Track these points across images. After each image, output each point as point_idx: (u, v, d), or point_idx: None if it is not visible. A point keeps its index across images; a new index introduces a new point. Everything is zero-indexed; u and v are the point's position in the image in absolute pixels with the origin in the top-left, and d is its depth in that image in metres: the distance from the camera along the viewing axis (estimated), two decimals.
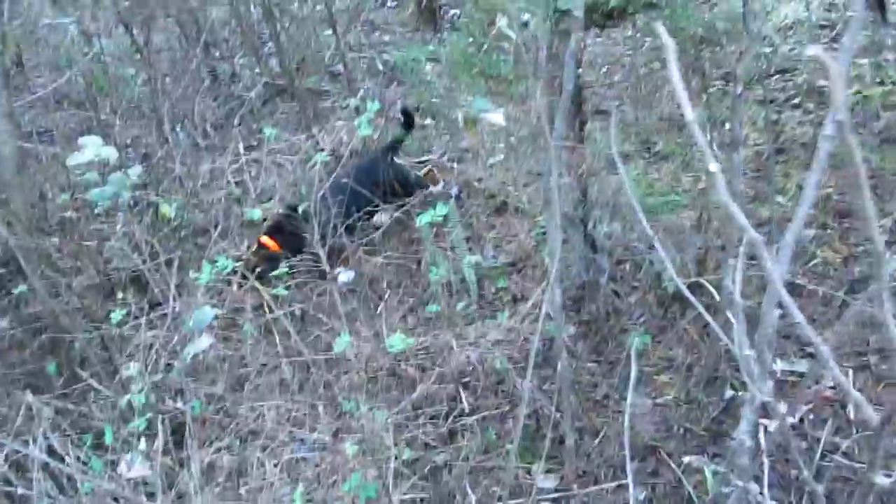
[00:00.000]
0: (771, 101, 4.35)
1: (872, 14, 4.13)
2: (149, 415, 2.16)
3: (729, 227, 3.13)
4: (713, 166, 0.72)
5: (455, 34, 4.32)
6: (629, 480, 1.88)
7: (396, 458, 2.30)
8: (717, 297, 2.93)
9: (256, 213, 2.71)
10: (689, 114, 0.70)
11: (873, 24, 4.28)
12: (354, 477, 2.01)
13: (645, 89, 3.79)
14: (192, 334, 1.98)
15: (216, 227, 3.66)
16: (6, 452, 2.42)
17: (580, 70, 2.63)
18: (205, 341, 1.96)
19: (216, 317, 2.03)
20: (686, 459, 2.76)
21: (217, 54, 6.08)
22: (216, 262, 2.24)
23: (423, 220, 2.45)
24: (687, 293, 1.53)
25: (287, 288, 2.52)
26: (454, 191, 4.18)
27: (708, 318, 1.34)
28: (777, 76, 4.55)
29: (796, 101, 4.33)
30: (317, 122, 4.48)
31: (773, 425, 2.88)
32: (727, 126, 4.23)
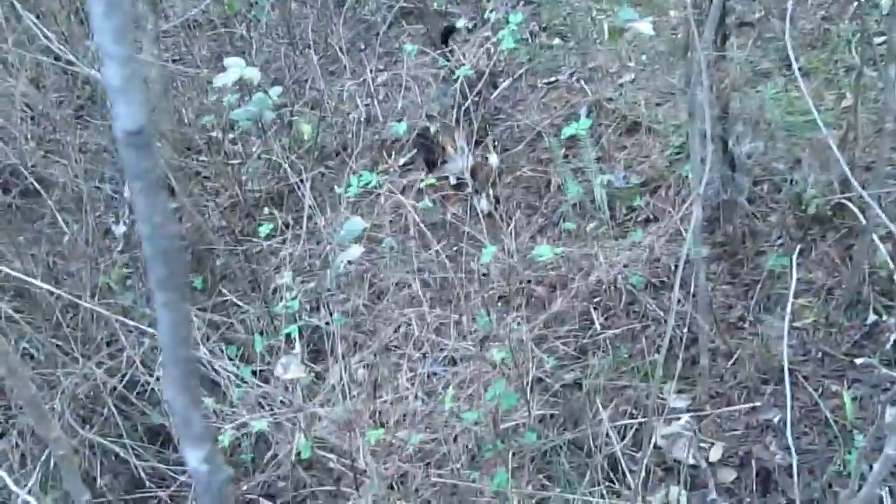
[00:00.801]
0: None
1: None
2: (300, 323, 2.26)
3: (877, 146, 3.00)
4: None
5: None
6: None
7: (539, 367, 2.34)
8: (862, 219, 2.84)
9: (401, 128, 2.73)
10: None
11: None
12: (498, 384, 2.06)
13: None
14: (338, 247, 2.05)
15: (350, 147, 3.73)
16: (161, 357, 2.58)
17: None
18: (356, 250, 2.02)
19: (366, 228, 2.09)
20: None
21: None
22: (362, 176, 2.30)
23: (566, 132, 2.42)
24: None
25: (433, 202, 2.56)
26: (583, 111, 4.12)
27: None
28: None
29: None
30: (446, 42, 4.46)
31: None
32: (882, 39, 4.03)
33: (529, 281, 3.33)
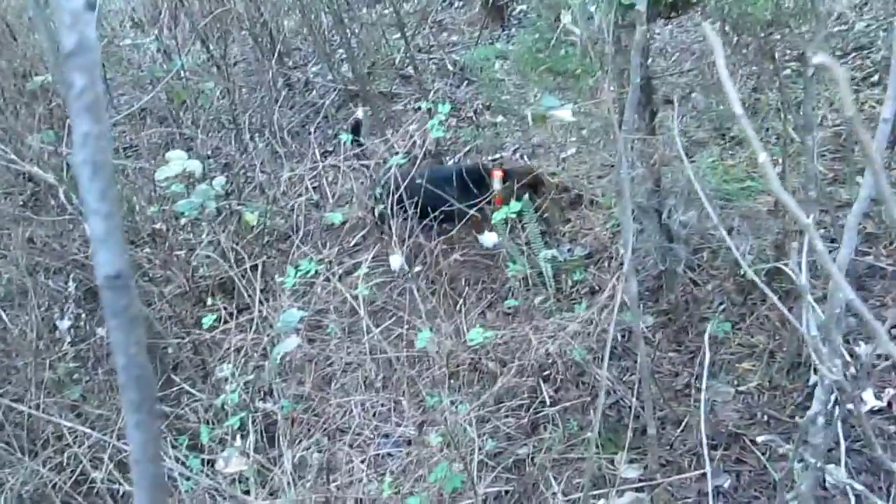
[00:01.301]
0: (850, 80, 4.27)
1: None
2: (243, 413, 2.26)
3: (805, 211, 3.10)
4: (762, 157, 0.75)
5: (521, 31, 4.32)
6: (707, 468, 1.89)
7: (480, 449, 2.35)
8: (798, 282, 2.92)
9: (337, 217, 2.78)
10: (739, 109, 0.73)
11: None
12: (440, 468, 2.07)
13: (716, 76, 3.76)
14: (280, 335, 2.06)
15: (297, 232, 3.76)
16: (109, 452, 2.56)
17: (648, 60, 2.64)
18: (293, 341, 2.04)
19: (302, 318, 2.11)
20: (760, 439, 2.75)
21: (290, 63, 6.23)
22: (299, 266, 2.33)
23: (497, 217, 2.48)
24: (756, 279, 1.54)
25: (370, 289, 2.59)
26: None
27: (779, 304, 1.35)
28: (854, 54, 4.45)
29: (874, 78, 4.23)
30: (390, 125, 4.56)
31: (860, 409, 2.85)
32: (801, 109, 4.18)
33: (481, 357, 3.36)
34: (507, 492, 2.92)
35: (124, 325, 0.64)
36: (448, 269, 3.89)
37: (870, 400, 2.84)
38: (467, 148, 4.74)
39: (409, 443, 2.95)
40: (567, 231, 3.91)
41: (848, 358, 2.97)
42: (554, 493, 2.75)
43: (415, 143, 3.57)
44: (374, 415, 2.71)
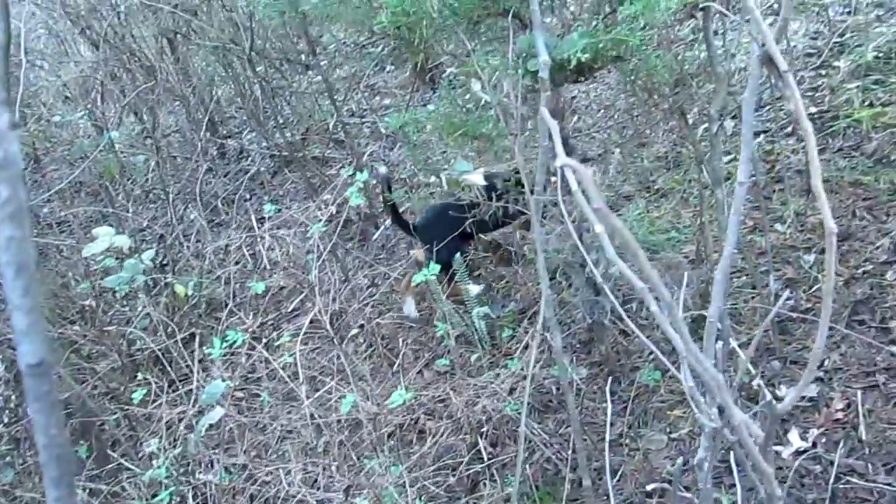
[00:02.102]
0: (764, 132, 4.45)
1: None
2: (172, 488, 2.25)
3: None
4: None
5: (437, 97, 4.43)
6: None
7: None
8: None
9: (260, 287, 2.81)
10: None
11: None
12: None
13: (640, 129, 3.90)
14: (207, 407, 2.07)
15: (234, 299, 3.77)
16: None
17: (562, 122, 2.73)
18: (217, 413, 2.05)
19: (227, 389, 2.12)
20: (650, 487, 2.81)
21: (224, 132, 6.27)
22: (227, 336, 2.35)
23: (417, 279, 2.54)
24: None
25: (290, 353, 2.61)
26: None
27: (660, 355, 1.41)
28: (768, 107, 4.64)
29: (788, 129, 4.41)
30: (324, 190, 4.62)
31: (786, 452, 2.94)
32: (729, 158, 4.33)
33: (418, 417, 3.39)
34: None
35: (45, 409, 0.71)
36: (385, 330, 3.93)
37: (795, 441, 2.92)
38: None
39: None
40: (500, 287, 3.98)
41: (773, 400, 3.07)
42: None
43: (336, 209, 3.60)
44: (312, 483, 2.72)
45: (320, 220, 2.52)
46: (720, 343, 1.22)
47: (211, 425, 2.20)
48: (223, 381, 2.09)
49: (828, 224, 0.80)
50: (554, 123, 1.03)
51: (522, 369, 2.99)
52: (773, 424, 1.07)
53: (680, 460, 1.57)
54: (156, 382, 2.84)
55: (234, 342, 2.32)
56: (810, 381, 3.09)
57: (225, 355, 2.41)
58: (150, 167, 5.22)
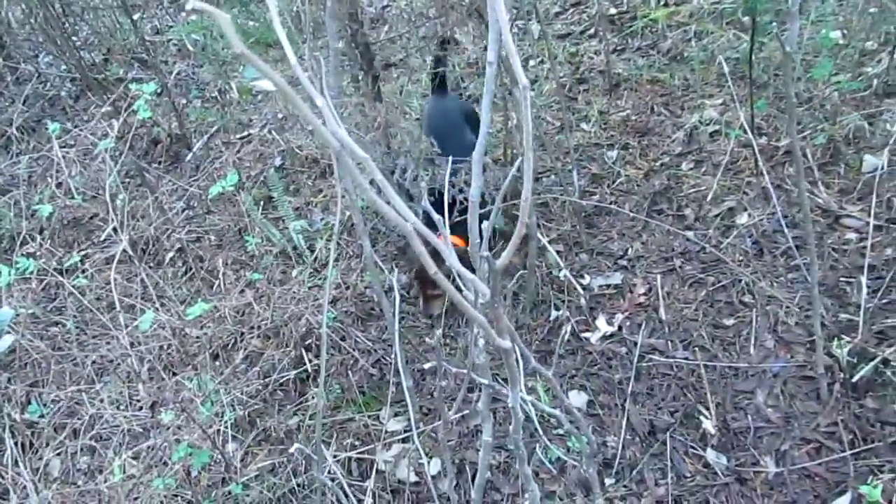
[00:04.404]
0: (568, 34, 4.56)
1: None
2: None
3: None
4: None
5: (226, 5, 4.30)
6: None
7: (222, 419, 2.36)
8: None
9: (46, 210, 2.67)
10: None
11: None
12: (182, 447, 2.07)
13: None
14: None
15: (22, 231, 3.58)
16: None
17: (360, 28, 2.72)
18: (6, 340, 1.97)
19: (16, 315, 2.03)
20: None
21: (19, 57, 5.85)
22: (18, 264, 2.23)
23: (213, 191, 2.48)
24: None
25: (84, 273, 2.52)
26: (276, 161, 4.22)
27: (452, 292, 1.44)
28: (572, 9, 4.76)
29: (591, 31, 4.54)
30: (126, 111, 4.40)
31: (594, 337, 3.11)
32: (530, 63, 4.42)
33: (243, 334, 3.36)
34: (281, 463, 2.96)
35: None
36: (202, 252, 3.85)
37: (602, 326, 3.09)
38: (214, 129, 4.66)
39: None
40: (318, 201, 3.95)
41: (580, 290, 3.23)
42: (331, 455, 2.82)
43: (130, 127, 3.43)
44: (119, 405, 2.66)
45: (114, 139, 2.40)
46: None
47: (9, 355, 2.10)
48: (13, 309, 2.00)
49: (521, 80, 0.84)
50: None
51: (342, 279, 3.00)
52: (495, 279, 1.12)
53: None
54: None
55: (27, 269, 2.20)
56: (614, 271, 3.27)
57: (23, 282, 2.29)
58: None
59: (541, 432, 2.55)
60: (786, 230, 3.03)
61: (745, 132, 3.37)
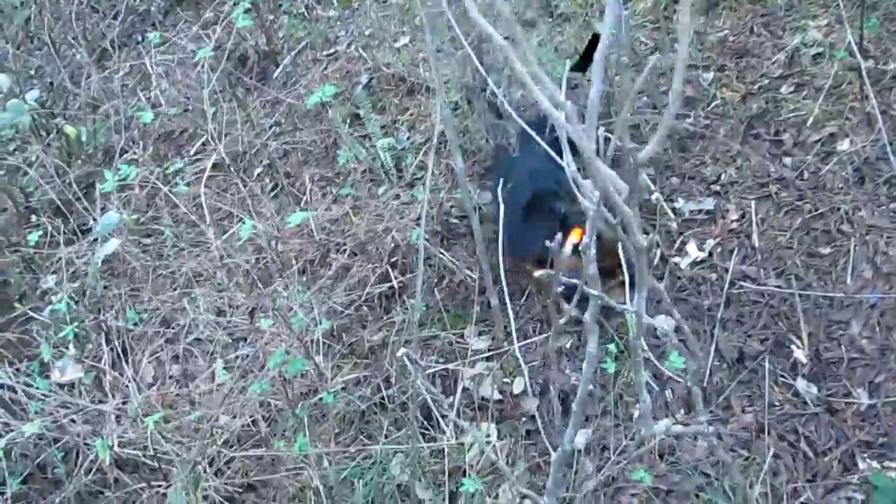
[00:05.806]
0: None
1: None
2: (76, 323, 2.23)
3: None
4: None
5: None
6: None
7: (312, 330, 2.40)
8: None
9: (148, 117, 2.70)
10: None
11: None
12: (278, 353, 2.12)
13: None
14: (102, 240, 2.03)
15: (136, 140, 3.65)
16: None
17: None
18: (112, 244, 2.02)
19: (122, 222, 2.08)
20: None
21: None
22: (120, 170, 2.27)
23: (310, 101, 2.48)
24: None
25: (188, 184, 2.56)
26: (363, 79, 4.20)
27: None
28: None
29: None
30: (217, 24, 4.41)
31: (684, 263, 3.06)
32: None
33: (329, 251, 3.40)
34: (365, 377, 3.01)
35: None
36: (290, 168, 3.89)
37: (693, 251, 3.04)
38: (301, 45, 4.65)
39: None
40: (405, 119, 3.94)
41: (671, 214, 3.17)
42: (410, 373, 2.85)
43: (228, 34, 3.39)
44: (219, 312, 2.72)
45: (209, 47, 2.40)
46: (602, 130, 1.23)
47: (108, 262, 2.16)
48: (119, 213, 2.04)
49: None
50: None
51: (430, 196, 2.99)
52: (635, 175, 1.09)
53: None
54: (51, 224, 2.76)
55: (128, 176, 2.24)
56: (707, 196, 3.20)
57: (122, 190, 2.34)
58: (31, 9, 4.91)
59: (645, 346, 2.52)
60: (891, 157, 2.90)
61: (850, 55, 3.22)
